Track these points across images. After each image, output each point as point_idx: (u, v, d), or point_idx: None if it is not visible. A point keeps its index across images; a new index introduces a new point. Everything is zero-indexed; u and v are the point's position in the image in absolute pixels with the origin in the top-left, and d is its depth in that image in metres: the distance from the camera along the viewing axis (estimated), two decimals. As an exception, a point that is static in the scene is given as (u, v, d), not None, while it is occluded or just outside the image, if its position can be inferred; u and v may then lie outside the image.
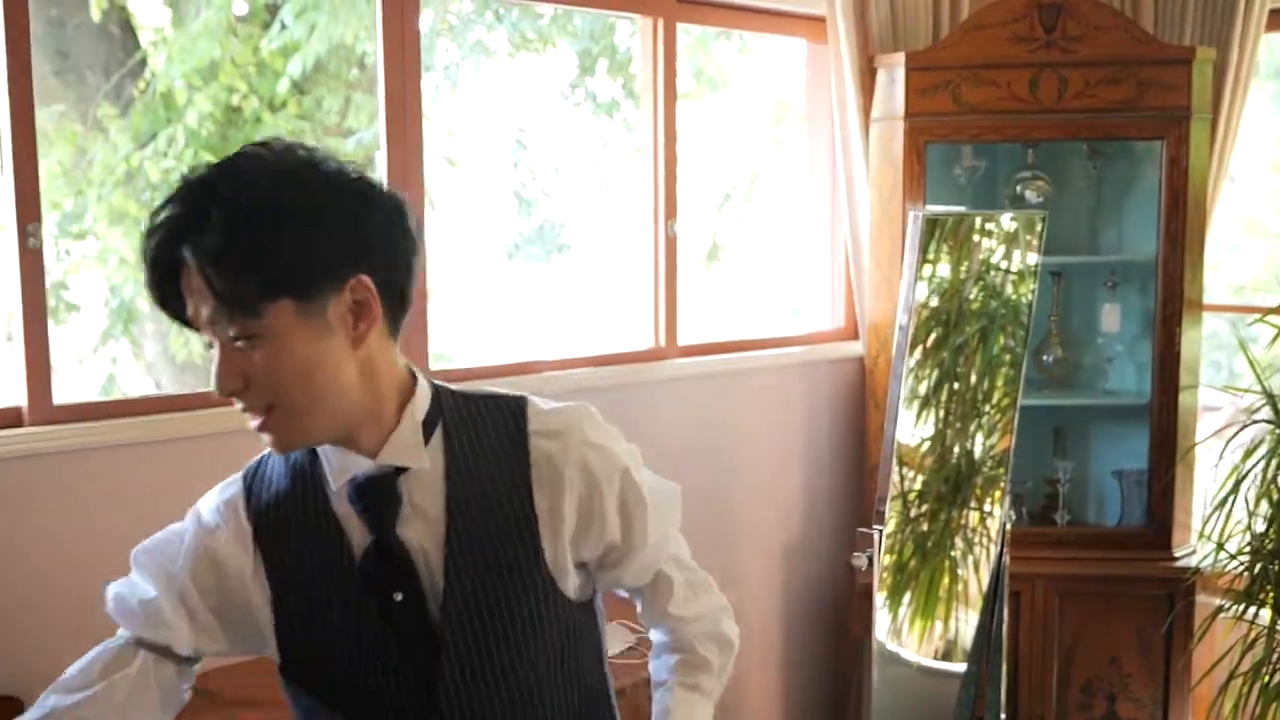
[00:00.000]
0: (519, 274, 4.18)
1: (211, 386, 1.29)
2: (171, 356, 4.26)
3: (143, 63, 4.20)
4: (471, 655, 1.35)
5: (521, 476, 1.37)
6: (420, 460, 1.34)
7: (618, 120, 4.31)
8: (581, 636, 1.45)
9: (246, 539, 1.39)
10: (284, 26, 4.01)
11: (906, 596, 3.18)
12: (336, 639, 1.36)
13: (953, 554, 3.26)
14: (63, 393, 2.52)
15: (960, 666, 3.30)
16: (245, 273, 1.22)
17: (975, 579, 3.29)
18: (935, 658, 3.32)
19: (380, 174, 2.80)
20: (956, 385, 3.12)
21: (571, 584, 1.41)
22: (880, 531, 2.80)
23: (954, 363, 3.11)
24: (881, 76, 3.30)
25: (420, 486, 1.36)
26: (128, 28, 4.28)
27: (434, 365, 2.87)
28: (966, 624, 3.30)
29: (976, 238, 3.08)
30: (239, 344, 1.25)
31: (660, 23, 3.24)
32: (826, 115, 3.53)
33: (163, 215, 1.25)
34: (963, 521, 3.26)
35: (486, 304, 4.04)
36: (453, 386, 1.44)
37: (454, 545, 1.35)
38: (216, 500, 1.42)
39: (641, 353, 3.24)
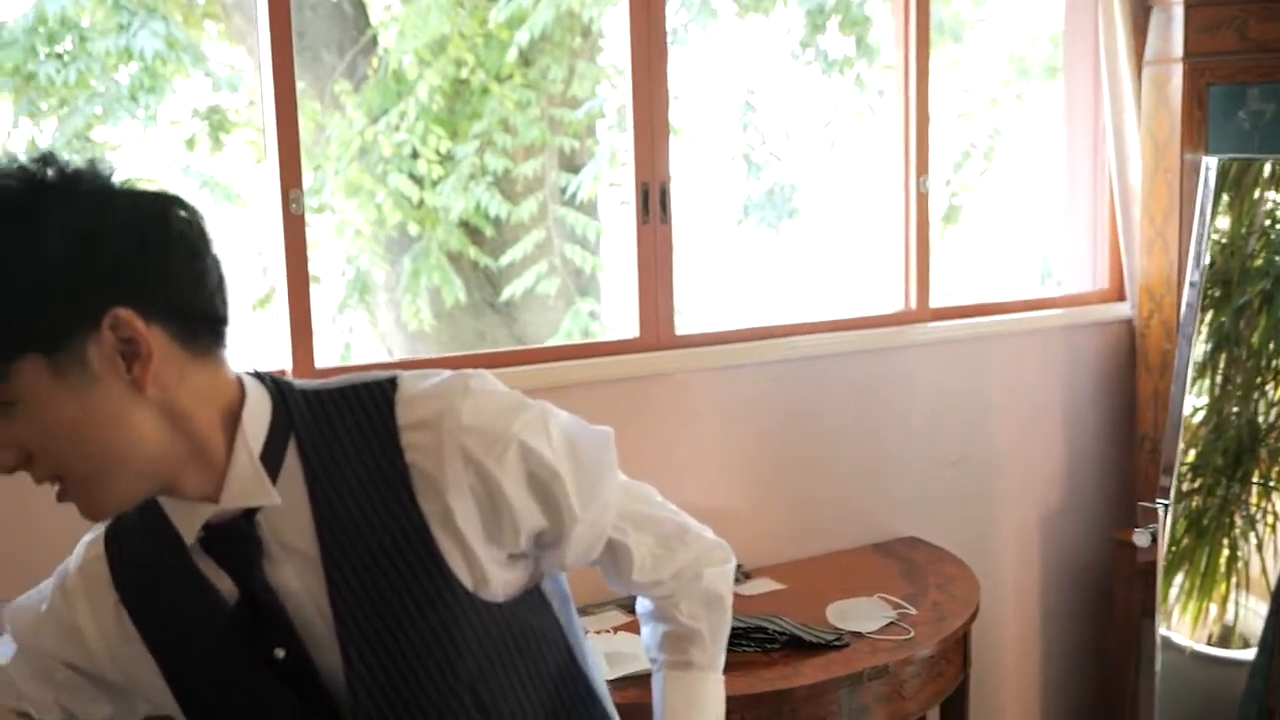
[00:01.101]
0: (749, 239, 4.09)
1: None
2: (404, 325, 4.34)
3: (374, 40, 4.26)
4: (390, 701, 1.16)
5: (400, 482, 1.15)
6: (268, 496, 1.13)
7: (849, 78, 4.15)
8: (533, 636, 1.25)
9: (108, 606, 1.22)
10: (510, -2, 4.00)
11: (1179, 577, 2.96)
12: (238, 700, 1.20)
13: (1233, 532, 3.02)
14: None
15: (1242, 654, 3.05)
16: None
17: (1259, 559, 3.04)
18: (1211, 643, 3.09)
19: (626, 146, 2.72)
20: (1237, 350, 2.88)
21: (500, 585, 1.20)
22: (1165, 506, 2.60)
23: (1234, 326, 2.87)
24: (1156, 15, 3.06)
25: (283, 521, 1.14)
26: (359, 6, 4.34)
27: (680, 331, 2.78)
28: (1247, 608, 3.06)
29: (1258, 191, 2.84)
30: None
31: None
32: (1088, 62, 3.31)
33: None
34: (1244, 497, 3.02)
35: (718, 269, 3.96)
36: (307, 385, 1.20)
37: (337, 580, 1.14)
38: (79, 560, 1.25)
39: (890, 316, 3.09)
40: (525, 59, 4.22)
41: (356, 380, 1.20)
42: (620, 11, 2.72)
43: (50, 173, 1.06)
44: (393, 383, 1.19)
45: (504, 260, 4.29)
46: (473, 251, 4.32)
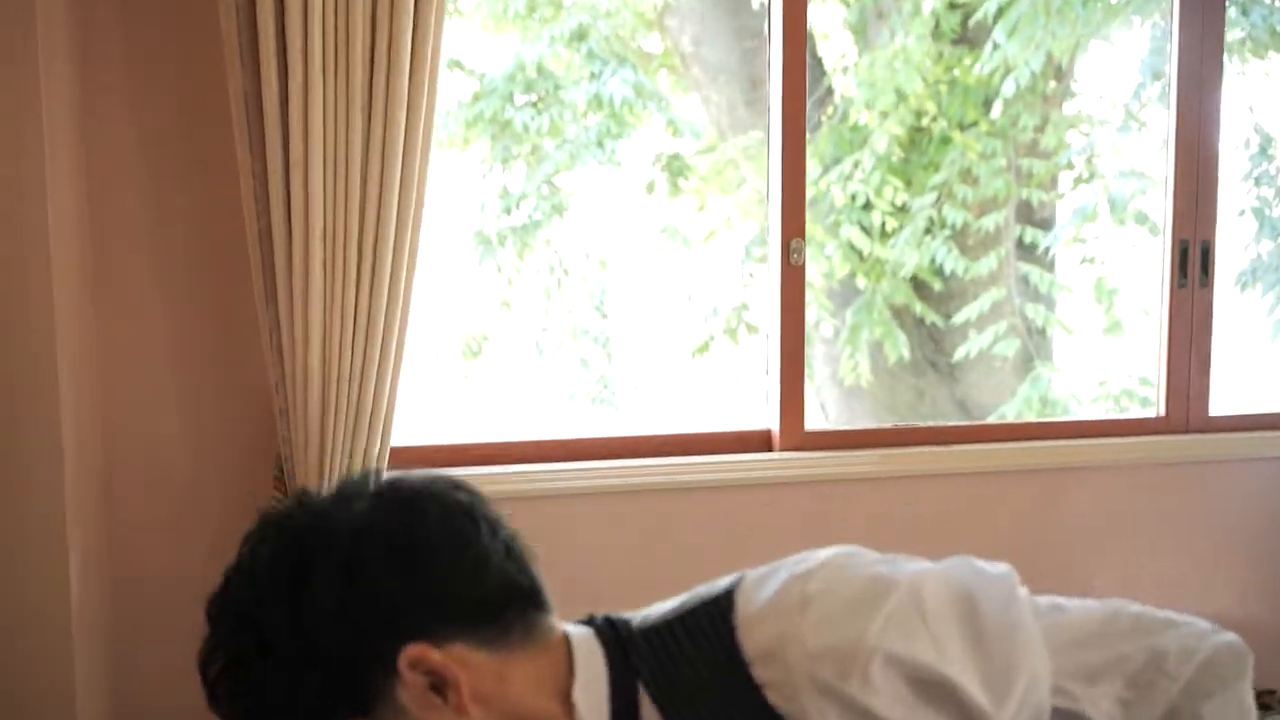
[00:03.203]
0: (1251, 305, 3.64)
1: None
2: (840, 380, 4.18)
3: (829, 90, 4.15)
4: None
5: (766, 716, 1.01)
6: None
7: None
8: None
9: None
10: (996, 46, 3.77)
11: None
12: None
13: None
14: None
15: None
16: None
17: None
18: None
19: (1159, 201, 2.44)
20: None
21: None
22: None
23: None
24: None
25: None
26: (814, 55, 4.25)
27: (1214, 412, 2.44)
28: None
29: None
30: None
31: None
32: None
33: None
34: None
35: (1232, 340, 3.54)
36: (643, 619, 1.09)
37: None
38: None
39: None
40: (986, 105, 3.98)
41: (693, 602, 1.08)
42: (1106, 53, 2.45)
43: (305, 519, 1.01)
44: (730, 599, 1.05)
45: (957, 318, 4.05)
46: (919, 307, 4.11)
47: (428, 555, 1.00)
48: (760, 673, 1.02)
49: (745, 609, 1.04)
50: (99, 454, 2.03)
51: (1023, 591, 1.08)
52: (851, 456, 2.37)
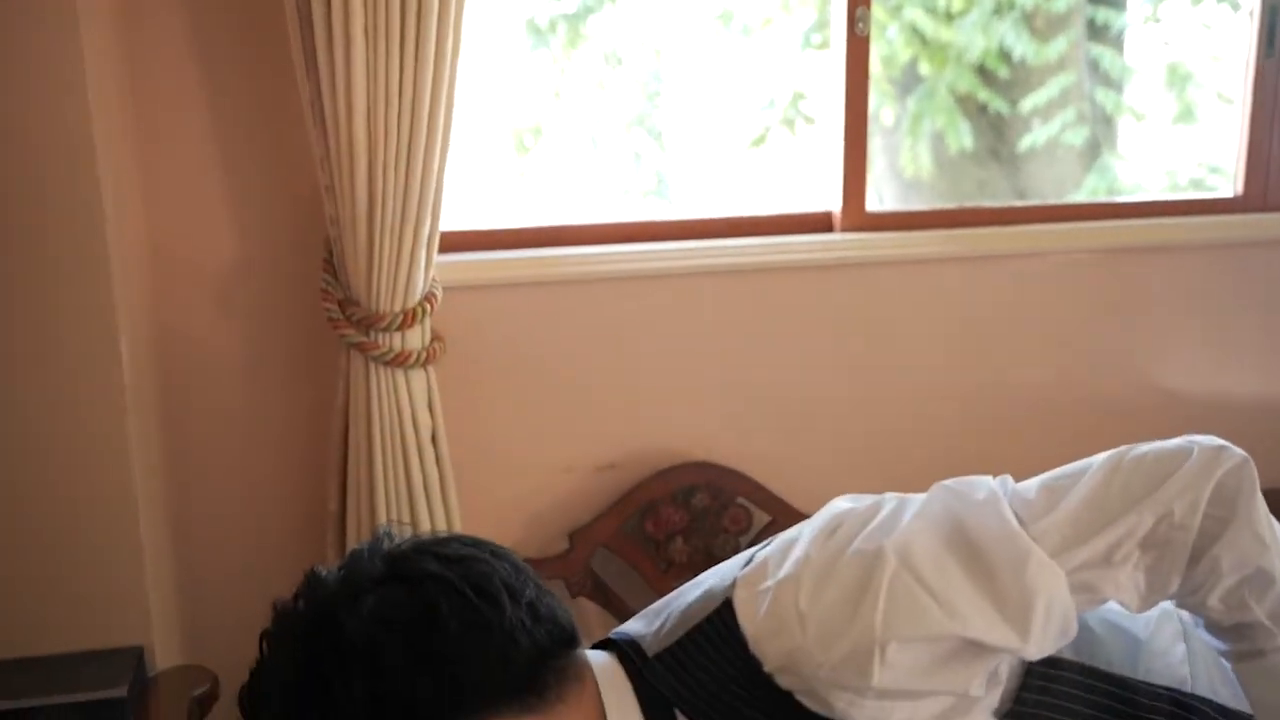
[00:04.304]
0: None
1: None
2: (899, 171, 4.07)
3: None
4: None
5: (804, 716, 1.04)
6: None
7: None
8: None
9: None
10: None
11: None
12: None
13: None
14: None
15: None
16: None
17: None
18: None
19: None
20: None
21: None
22: None
23: None
24: None
25: None
26: None
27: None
28: None
29: None
30: None
31: None
32: None
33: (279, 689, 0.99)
34: None
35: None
36: (649, 642, 1.10)
37: None
38: None
39: None
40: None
41: (698, 616, 1.08)
42: None
43: (316, 624, 0.99)
44: (730, 611, 1.06)
45: (1025, 104, 3.90)
46: (984, 94, 3.96)
47: (453, 662, 0.98)
48: (785, 681, 1.04)
49: (749, 623, 1.05)
50: (143, 243, 2.01)
51: (1009, 497, 1.05)
52: (914, 237, 2.30)
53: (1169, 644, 1.15)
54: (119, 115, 1.89)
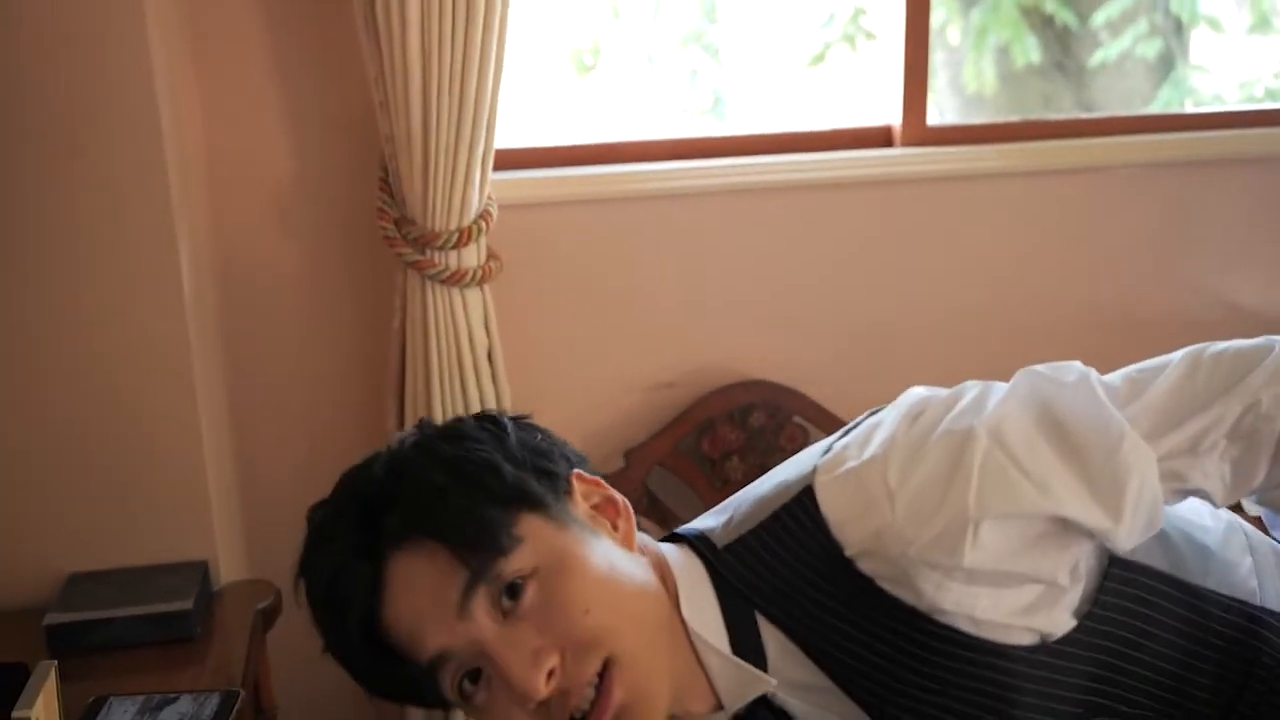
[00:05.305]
0: None
1: (525, 705, 0.99)
2: (961, 87, 3.99)
3: None
4: None
5: (884, 603, 1.01)
6: (763, 683, 1.04)
7: None
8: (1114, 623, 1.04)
9: None
10: None
11: None
12: None
13: None
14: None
15: None
16: (474, 491, 1.00)
17: None
18: None
19: None
20: None
21: (1044, 621, 1.02)
22: None
23: None
24: None
25: (790, 673, 1.05)
26: None
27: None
28: None
29: None
30: (511, 603, 0.98)
31: None
32: None
33: (336, 543, 1.04)
34: None
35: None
36: (723, 532, 1.08)
37: (868, 702, 1.03)
38: None
39: None
40: None
41: (774, 504, 1.06)
42: None
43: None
44: (811, 496, 1.04)
45: (1097, 17, 3.79)
46: (1050, 6, 3.85)
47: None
48: (867, 566, 1.01)
49: (830, 505, 1.03)
50: (201, 160, 2.01)
51: (1100, 384, 1.03)
52: (976, 151, 2.25)
53: (1238, 556, 1.13)
54: (176, 31, 1.89)
